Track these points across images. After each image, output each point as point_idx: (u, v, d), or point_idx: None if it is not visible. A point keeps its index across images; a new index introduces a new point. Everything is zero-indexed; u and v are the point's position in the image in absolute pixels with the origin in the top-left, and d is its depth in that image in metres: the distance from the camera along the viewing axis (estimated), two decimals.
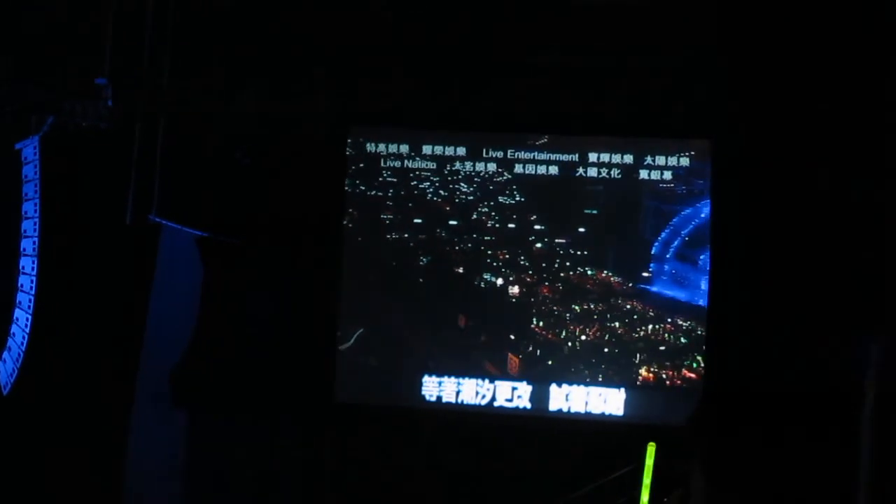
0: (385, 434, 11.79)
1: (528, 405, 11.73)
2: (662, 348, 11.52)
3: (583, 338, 11.72)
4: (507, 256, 12.01)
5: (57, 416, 11.11)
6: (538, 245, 11.96)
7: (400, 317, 12.13)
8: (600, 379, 11.63)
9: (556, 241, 11.93)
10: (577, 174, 11.81)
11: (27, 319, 11.19)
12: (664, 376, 11.37)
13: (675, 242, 11.62)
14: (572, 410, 11.60)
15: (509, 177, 12.02)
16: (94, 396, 11.18)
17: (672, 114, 11.49)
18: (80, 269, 11.12)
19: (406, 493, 11.59)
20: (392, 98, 11.97)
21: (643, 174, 11.65)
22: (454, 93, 11.84)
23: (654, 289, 11.63)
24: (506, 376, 11.83)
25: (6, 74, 11.09)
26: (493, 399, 11.83)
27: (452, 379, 11.87)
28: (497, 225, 12.06)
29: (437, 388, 11.88)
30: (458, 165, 12.04)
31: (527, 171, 11.90)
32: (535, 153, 11.87)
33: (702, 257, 11.49)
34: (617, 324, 11.65)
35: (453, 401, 11.87)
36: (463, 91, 11.84)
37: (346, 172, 12.17)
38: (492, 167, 11.97)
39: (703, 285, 11.46)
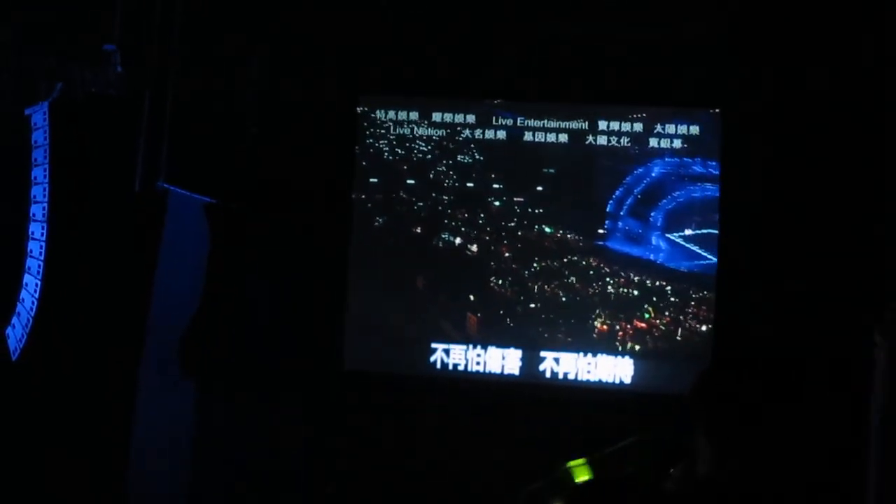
0: (393, 402, 11.77)
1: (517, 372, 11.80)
2: (614, 301, 11.75)
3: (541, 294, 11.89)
4: (466, 216, 12.07)
5: (65, 382, 11.12)
6: (496, 204, 12.01)
7: (407, 284, 12.13)
8: (560, 336, 11.80)
9: (515, 199, 12.00)
10: (588, 142, 11.78)
11: (36, 285, 11.20)
12: (617, 327, 11.64)
13: (629, 200, 11.77)
14: (579, 378, 11.64)
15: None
16: (101, 364, 11.18)
17: (681, 83, 11.46)
18: (88, 235, 11.11)
19: (414, 462, 11.59)
20: (401, 65, 11.96)
21: (653, 143, 11.63)
22: (463, 61, 11.82)
23: (609, 245, 11.78)
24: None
25: (14, 40, 11.08)
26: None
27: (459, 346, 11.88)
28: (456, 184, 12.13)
29: (446, 356, 11.88)
30: (467, 133, 12.00)
31: (537, 139, 11.88)
32: (546, 121, 11.82)
33: (652, 214, 11.72)
34: (574, 279, 11.78)
35: (461, 368, 11.87)
36: (471, 59, 11.83)
37: (355, 139, 12.11)
38: (492, 135, 11.95)
39: (654, 241, 11.71)
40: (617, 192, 11.81)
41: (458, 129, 12.00)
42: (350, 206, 12.10)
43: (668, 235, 11.71)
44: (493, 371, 11.82)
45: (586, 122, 11.78)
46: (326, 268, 12.00)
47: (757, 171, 11.17)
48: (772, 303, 10.82)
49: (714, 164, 11.57)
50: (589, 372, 11.64)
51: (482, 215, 11.91)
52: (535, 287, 11.80)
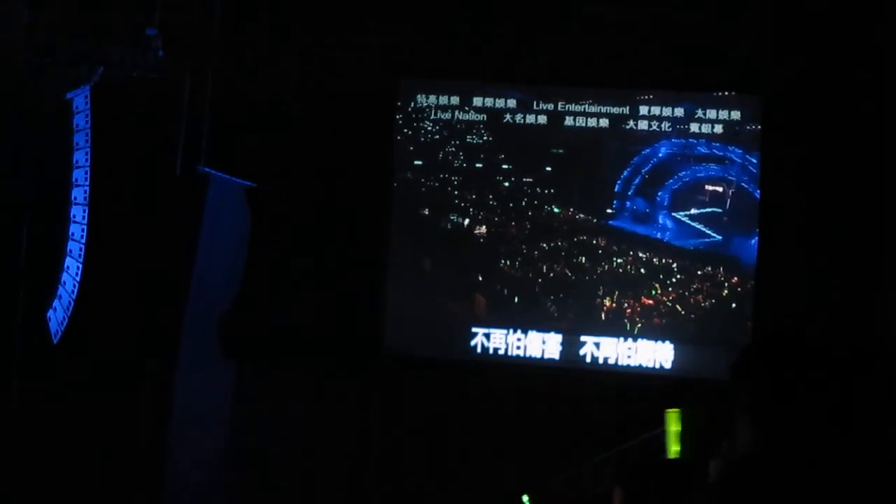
0: (432, 385, 11.77)
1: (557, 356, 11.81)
2: (623, 279, 11.86)
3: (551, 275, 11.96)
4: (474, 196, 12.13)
5: (105, 364, 11.17)
6: (506, 184, 12.06)
7: (449, 270, 12.14)
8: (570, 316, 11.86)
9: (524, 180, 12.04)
10: (628, 126, 11.76)
11: (78, 268, 11.26)
12: (625, 305, 11.72)
13: (636, 180, 11.83)
14: (619, 363, 11.64)
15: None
16: (142, 346, 11.23)
17: (722, 69, 11.42)
18: (129, 219, 11.15)
19: (453, 443, 11.60)
20: (442, 50, 11.94)
21: (693, 127, 11.60)
22: (504, 45, 11.80)
23: (617, 224, 11.87)
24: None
25: (56, 24, 11.12)
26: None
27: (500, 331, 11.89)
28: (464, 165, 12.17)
29: (486, 340, 11.89)
30: (508, 118, 11.99)
31: (577, 124, 11.86)
32: (586, 106, 11.79)
33: (659, 193, 11.82)
34: (583, 259, 11.86)
35: (501, 353, 11.87)
36: (513, 44, 11.81)
37: (395, 123, 12.10)
38: (532, 119, 11.93)
39: (661, 219, 11.83)
40: (625, 173, 11.90)
41: (500, 114, 11.97)
42: (390, 190, 12.10)
43: (674, 214, 11.76)
44: (533, 356, 11.81)
45: (627, 108, 11.74)
46: (367, 251, 12.00)
47: (797, 157, 11.12)
48: (811, 287, 10.78)
49: (718, 145, 11.65)
50: (629, 357, 11.62)
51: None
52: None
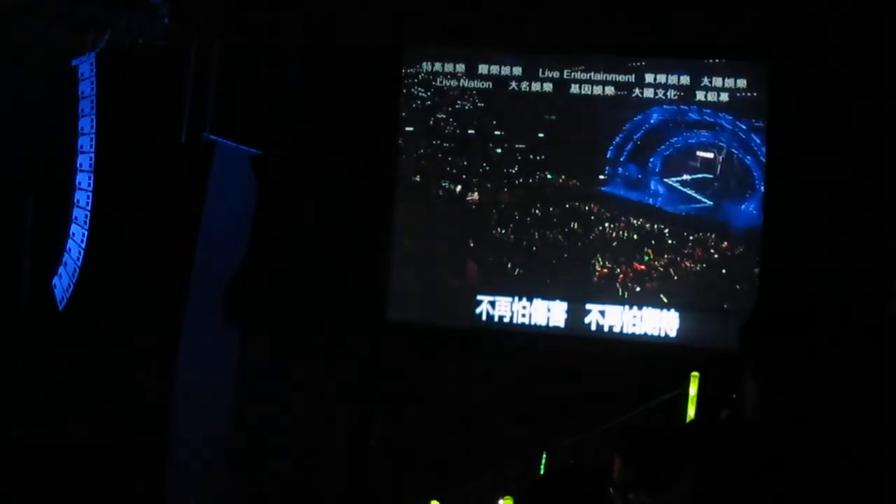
0: (436, 353, 11.78)
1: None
2: (615, 244, 11.81)
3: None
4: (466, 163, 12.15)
5: (111, 330, 11.20)
6: (498, 151, 12.07)
7: (445, 237, 12.15)
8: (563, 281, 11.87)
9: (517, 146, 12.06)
10: (634, 94, 11.75)
11: (83, 235, 11.29)
12: (617, 270, 11.72)
13: (628, 147, 11.83)
14: (621, 330, 11.67)
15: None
16: (147, 312, 11.25)
17: (728, 37, 11.40)
18: (134, 186, 11.16)
19: (457, 410, 11.61)
20: (447, 17, 11.91)
21: (699, 95, 11.59)
22: (510, 12, 11.76)
23: (609, 190, 11.86)
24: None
25: None
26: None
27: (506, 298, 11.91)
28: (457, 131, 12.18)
29: (491, 308, 11.91)
30: (514, 85, 11.98)
31: (583, 92, 11.86)
32: (592, 73, 11.78)
33: (651, 160, 11.79)
34: (575, 224, 11.86)
35: (506, 320, 11.90)
36: (518, 10, 11.77)
37: (400, 90, 12.08)
38: (538, 87, 11.93)
39: (653, 185, 11.79)
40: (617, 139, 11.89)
41: (504, 81, 11.96)
42: (395, 158, 12.08)
43: (666, 180, 11.78)
44: (538, 324, 11.82)
45: (633, 75, 11.73)
46: (371, 218, 11.98)
47: (802, 125, 11.10)
48: (815, 255, 10.77)
49: (710, 112, 11.61)
50: (634, 325, 11.64)
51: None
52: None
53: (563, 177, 11.93)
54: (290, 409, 12.08)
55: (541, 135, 11.98)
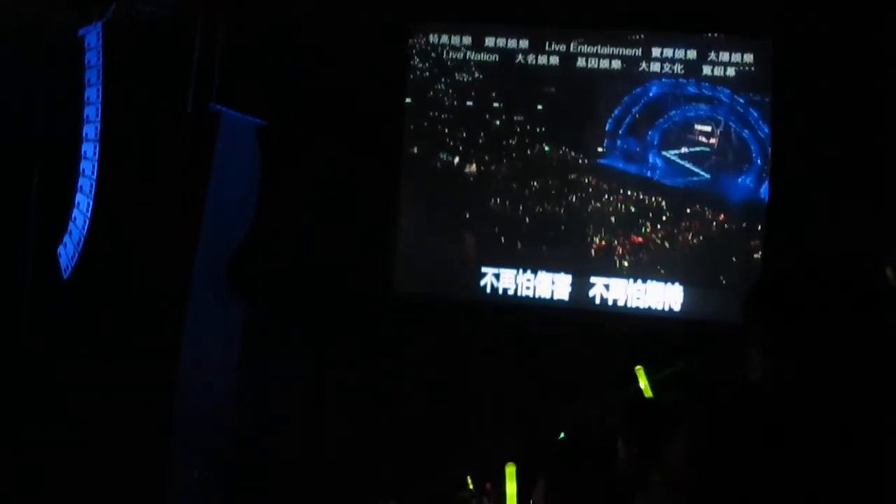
0: (441, 326, 11.79)
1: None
2: (613, 219, 11.86)
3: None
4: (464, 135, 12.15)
5: (115, 301, 11.21)
6: (496, 123, 12.08)
7: (451, 208, 12.16)
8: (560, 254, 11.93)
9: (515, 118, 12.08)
10: (640, 69, 11.74)
11: (88, 204, 11.29)
12: (615, 243, 11.79)
13: (627, 119, 11.86)
14: (628, 305, 11.70)
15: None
16: (151, 283, 11.25)
17: (734, 10, 11.37)
18: (140, 156, 11.16)
19: (462, 384, 11.62)
20: None
21: (706, 70, 11.59)
22: None
23: (607, 163, 11.91)
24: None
25: None
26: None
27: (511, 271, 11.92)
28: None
29: (496, 280, 11.93)
30: (520, 59, 11.96)
31: (589, 65, 11.85)
32: (599, 47, 11.76)
33: (650, 132, 11.83)
34: (573, 198, 11.89)
35: (511, 293, 11.91)
36: None
37: (407, 62, 12.07)
38: (554, 60, 11.91)
39: (651, 158, 11.85)
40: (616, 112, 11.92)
41: (511, 54, 11.94)
42: (401, 130, 12.08)
43: (664, 153, 11.81)
44: (542, 296, 11.84)
45: (640, 49, 11.72)
46: (377, 190, 11.98)
47: (809, 99, 11.09)
48: (820, 230, 10.76)
49: (707, 85, 11.63)
50: (639, 299, 11.66)
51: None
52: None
53: (563, 149, 11.93)
54: (293, 382, 12.10)
55: (539, 107, 11.99)
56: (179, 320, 11.43)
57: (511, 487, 7.20)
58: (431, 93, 12.10)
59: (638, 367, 9.65)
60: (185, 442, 11.46)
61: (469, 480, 10.32)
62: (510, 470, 7.50)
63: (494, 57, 11.97)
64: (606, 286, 11.71)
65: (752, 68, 11.50)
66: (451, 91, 12.09)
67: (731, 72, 11.53)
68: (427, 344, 11.73)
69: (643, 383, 9.55)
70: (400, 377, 11.85)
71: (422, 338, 11.74)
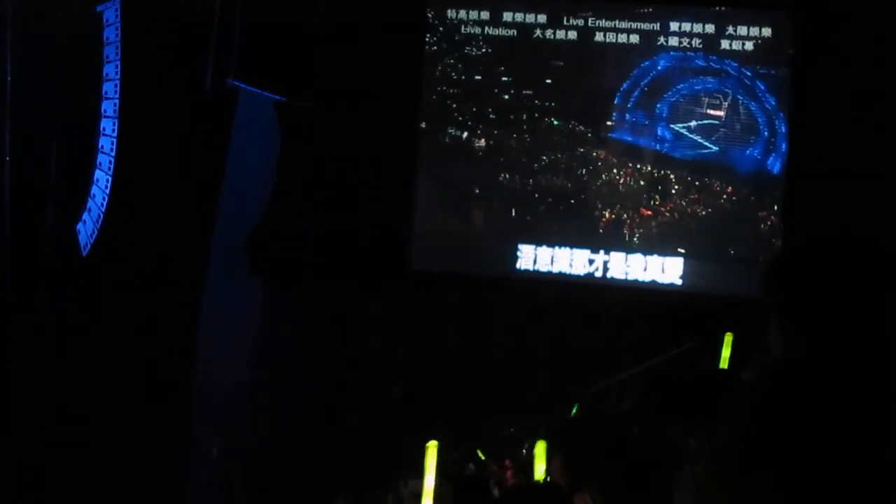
0: (457, 301, 11.78)
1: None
2: (622, 190, 11.89)
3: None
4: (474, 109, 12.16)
5: (134, 277, 11.22)
6: (505, 97, 12.08)
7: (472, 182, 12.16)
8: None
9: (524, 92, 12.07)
10: (658, 43, 11.71)
11: (107, 181, 11.31)
12: (624, 216, 11.79)
13: (636, 93, 11.87)
14: (643, 280, 11.70)
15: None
16: (170, 260, 11.27)
17: None
18: (159, 132, 11.16)
19: (479, 358, 11.62)
20: None
21: (724, 44, 11.56)
22: None
23: (616, 136, 11.94)
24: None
25: None
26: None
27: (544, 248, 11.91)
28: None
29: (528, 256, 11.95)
30: (538, 33, 11.93)
31: (608, 40, 11.82)
32: (617, 21, 11.73)
33: (658, 105, 11.85)
34: (583, 171, 11.93)
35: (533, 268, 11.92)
36: None
37: (424, 38, 12.05)
38: (572, 35, 11.89)
39: (660, 131, 11.86)
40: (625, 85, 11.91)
41: (529, 29, 11.91)
42: (419, 105, 12.06)
43: (672, 126, 11.81)
44: (558, 270, 11.84)
45: (658, 24, 11.68)
46: (395, 166, 11.96)
47: (828, 73, 11.05)
48: (839, 204, 10.73)
49: (715, 58, 11.64)
50: (645, 271, 11.67)
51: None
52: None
53: (571, 123, 11.94)
54: (312, 359, 12.10)
55: (548, 81, 11.98)
56: (198, 297, 11.45)
57: (540, 465, 7.22)
58: (440, 67, 12.09)
59: (728, 334, 9.74)
60: (205, 415, 11.49)
61: (479, 452, 10.40)
62: (539, 449, 7.53)
63: (512, 32, 11.93)
64: (622, 261, 11.71)
65: (770, 42, 11.46)
66: (460, 66, 12.07)
67: (749, 46, 11.50)
68: (445, 319, 11.74)
69: (727, 353, 9.62)
70: (418, 352, 11.84)
71: (440, 313, 11.74)
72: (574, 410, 10.00)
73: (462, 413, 11.30)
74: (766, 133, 11.50)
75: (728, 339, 9.71)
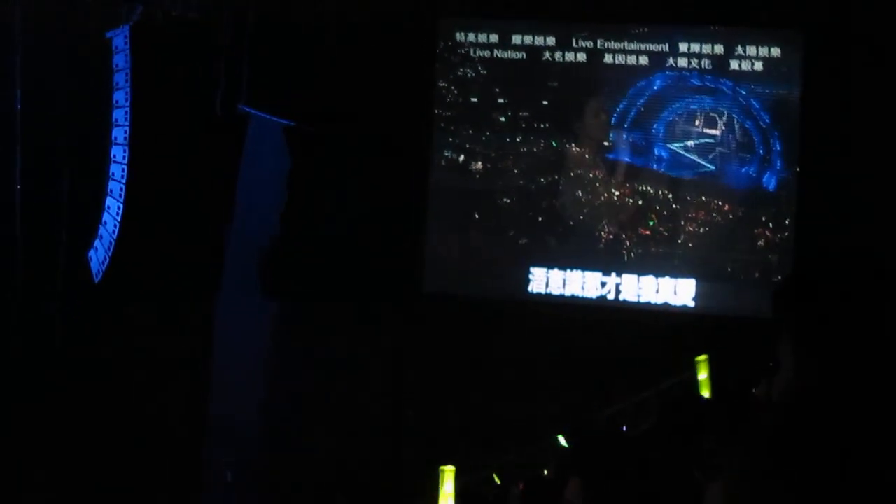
0: (469, 323, 11.77)
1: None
2: (620, 211, 11.91)
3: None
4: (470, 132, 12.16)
5: (147, 303, 11.25)
6: (501, 119, 12.09)
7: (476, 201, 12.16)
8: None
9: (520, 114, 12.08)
10: (668, 64, 11.71)
11: (118, 208, 11.31)
12: (623, 236, 11.78)
13: (632, 113, 11.87)
14: (652, 301, 11.68)
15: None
16: (182, 284, 11.29)
17: (763, 5, 11.36)
18: (169, 159, 11.18)
19: (490, 381, 11.61)
20: None
21: (734, 65, 11.55)
22: None
23: (613, 156, 11.94)
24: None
25: None
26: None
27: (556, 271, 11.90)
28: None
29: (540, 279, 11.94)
30: (547, 55, 11.94)
31: (617, 62, 11.81)
32: (626, 43, 11.73)
33: (654, 126, 11.85)
34: (579, 192, 11.93)
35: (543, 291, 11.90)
36: None
37: (434, 61, 12.06)
38: (572, 57, 11.90)
39: (657, 151, 11.86)
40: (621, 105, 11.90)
41: (538, 52, 11.92)
42: (430, 129, 12.07)
43: (669, 146, 11.80)
44: (561, 293, 11.84)
45: (667, 45, 11.67)
46: (406, 189, 11.96)
47: (839, 93, 11.05)
48: (852, 220, 10.72)
49: (710, 78, 11.63)
50: (654, 293, 11.66)
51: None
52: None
53: (569, 144, 11.93)
54: (325, 382, 12.10)
55: (545, 102, 11.97)
56: (210, 323, 11.47)
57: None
58: (449, 88, 12.11)
59: (699, 357, 9.72)
60: (217, 440, 11.50)
61: (495, 476, 10.40)
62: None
63: (521, 55, 11.94)
64: (633, 283, 11.71)
65: (781, 62, 11.45)
66: (453, 88, 12.09)
67: (758, 66, 11.49)
68: (457, 341, 11.73)
69: (703, 375, 9.60)
70: (430, 373, 11.83)
71: (450, 335, 11.73)
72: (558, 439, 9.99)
73: (476, 436, 11.29)
74: (761, 151, 11.55)
75: (702, 363, 9.72)
